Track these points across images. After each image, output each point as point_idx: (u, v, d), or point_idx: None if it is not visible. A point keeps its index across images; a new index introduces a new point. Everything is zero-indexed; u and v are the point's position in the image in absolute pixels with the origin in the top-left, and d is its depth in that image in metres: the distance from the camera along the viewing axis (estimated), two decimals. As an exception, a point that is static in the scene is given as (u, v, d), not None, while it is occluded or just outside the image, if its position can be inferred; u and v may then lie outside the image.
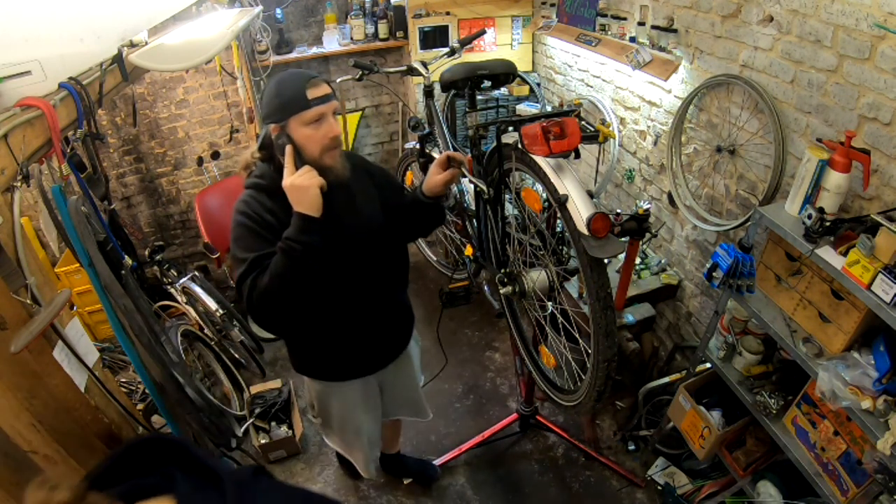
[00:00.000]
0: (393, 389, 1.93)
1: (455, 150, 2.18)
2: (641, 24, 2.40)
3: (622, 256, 1.43)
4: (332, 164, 1.36)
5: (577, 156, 1.36)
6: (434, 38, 3.33)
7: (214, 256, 3.12)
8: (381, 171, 1.70)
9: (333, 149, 1.36)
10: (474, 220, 2.11)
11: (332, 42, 3.63)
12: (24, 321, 1.05)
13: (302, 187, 1.27)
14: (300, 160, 1.32)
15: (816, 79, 1.67)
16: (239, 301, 1.50)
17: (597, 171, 2.92)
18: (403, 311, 1.80)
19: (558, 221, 1.70)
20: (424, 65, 2.18)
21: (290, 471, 2.65)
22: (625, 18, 2.53)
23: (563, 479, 2.53)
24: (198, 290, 2.90)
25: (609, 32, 2.62)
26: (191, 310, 2.91)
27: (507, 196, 1.80)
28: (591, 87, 2.98)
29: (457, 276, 2.65)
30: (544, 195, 1.57)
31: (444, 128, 2.22)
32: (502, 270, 1.84)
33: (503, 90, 3.38)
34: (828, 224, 1.45)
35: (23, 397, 1.08)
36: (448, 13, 3.31)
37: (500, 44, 3.44)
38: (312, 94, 1.30)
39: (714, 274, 1.74)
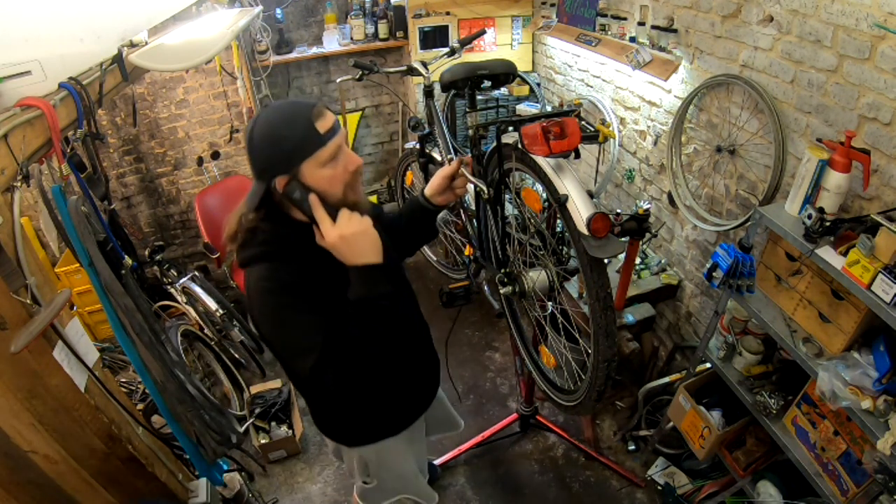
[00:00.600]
0: (433, 415, 1.78)
1: (455, 150, 2.18)
2: (641, 24, 2.40)
3: (622, 256, 1.43)
4: (358, 199, 1.16)
5: (577, 156, 1.36)
6: (434, 38, 3.33)
7: (214, 256, 3.12)
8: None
9: (356, 181, 1.16)
10: (474, 220, 2.11)
11: (332, 42, 3.63)
12: (24, 321, 1.05)
13: (357, 235, 1.07)
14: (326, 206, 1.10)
15: (816, 79, 1.67)
16: (314, 394, 1.33)
17: (597, 171, 2.92)
18: (430, 337, 1.64)
19: (558, 221, 1.70)
20: (424, 65, 2.18)
21: (290, 471, 2.65)
22: (625, 18, 2.53)
23: (563, 479, 2.53)
24: (198, 290, 2.91)
25: (609, 32, 2.62)
26: (191, 310, 2.91)
27: (507, 196, 1.79)
28: (591, 87, 2.98)
29: (457, 276, 2.65)
30: (544, 195, 1.57)
31: (444, 128, 2.22)
32: (502, 270, 1.84)
33: (503, 90, 3.38)
34: (828, 224, 1.45)
35: (23, 397, 1.08)
36: (448, 13, 3.31)
37: (500, 44, 3.44)
38: (323, 125, 1.07)
39: (714, 274, 1.74)
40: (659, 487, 2.39)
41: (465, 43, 2.30)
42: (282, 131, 1.07)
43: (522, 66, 3.50)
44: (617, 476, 2.50)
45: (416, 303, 1.54)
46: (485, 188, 1.80)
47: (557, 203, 1.37)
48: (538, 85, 3.51)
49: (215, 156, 3.61)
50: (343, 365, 1.07)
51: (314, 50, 3.62)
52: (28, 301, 1.07)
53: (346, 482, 2.58)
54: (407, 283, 1.45)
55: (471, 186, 2.04)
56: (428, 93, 2.24)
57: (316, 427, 1.58)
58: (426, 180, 2.54)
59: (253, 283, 1.13)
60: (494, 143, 1.58)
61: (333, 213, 1.09)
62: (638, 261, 2.59)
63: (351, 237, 1.08)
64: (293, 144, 1.07)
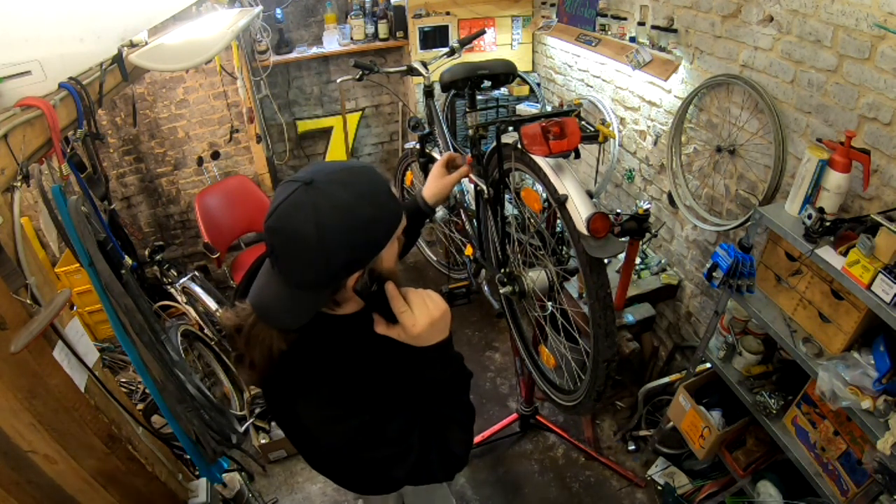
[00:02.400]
0: None
1: (455, 150, 2.18)
2: (641, 24, 2.40)
3: (622, 256, 1.43)
4: (397, 267, 0.98)
5: (577, 156, 1.36)
6: (434, 38, 3.33)
7: (214, 256, 3.12)
8: None
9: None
10: (474, 220, 2.11)
11: (332, 42, 3.63)
12: (24, 321, 1.05)
13: (441, 317, 0.93)
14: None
15: (816, 79, 1.67)
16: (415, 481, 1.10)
17: (597, 171, 2.92)
18: None
19: (558, 221, 1.70)
20: (424, 65, 2.18)
21: (289, 470, 2.65)
22: (625, 18, 2.53)
23: (563, 479, 2.53)
24: (198, 290, 2.91)
25: (609, 32, 2.62)
26: (191, 310, 2.91)
27: (507, 196, 1.80)
28: (591, 87, 2.98)
29: (457, 276, 2.65)
30: (544, 195, 1.57)
31: (444, 128, 2.22)
32: (502, 270, 1.84)
33: (503, 90, 3.38)
34: (828, 224, 1.45)
35: (23, 397, 1.08)
36: (448, 13, 3.30)
37: (500, 44, 3.44)
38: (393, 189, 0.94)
39: (714, 274, 1.74)
40: (659, 487, 2.39)
41: (465, 43, 2.30)
42: (367, 210, 0.83)
43: (522, 66, 3.50)
44: (617, 476, 2.50)
45: None
46: (485, 188, 1.80)
47: (557, 203, 1.37)
48: (538, 85, 3.51)
49: (215, 156, 3.61)
50: (459, 444, 1.00)
51: (314, 50, 3.62)
52: (28, 301, 1.07)
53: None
54: None
55: (471, 186, 2.04)
56: (428, 93, 2.24)
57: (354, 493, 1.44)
58: (426, 180, 2.54)
59: (316, 418, 0.95)
60: (494, 143, 1.58)
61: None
62: (638, 261, 2.59)
63: (439, 320, 0.92)
64: (386, 226, 0.86)
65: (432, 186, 1.44)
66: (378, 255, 0.87)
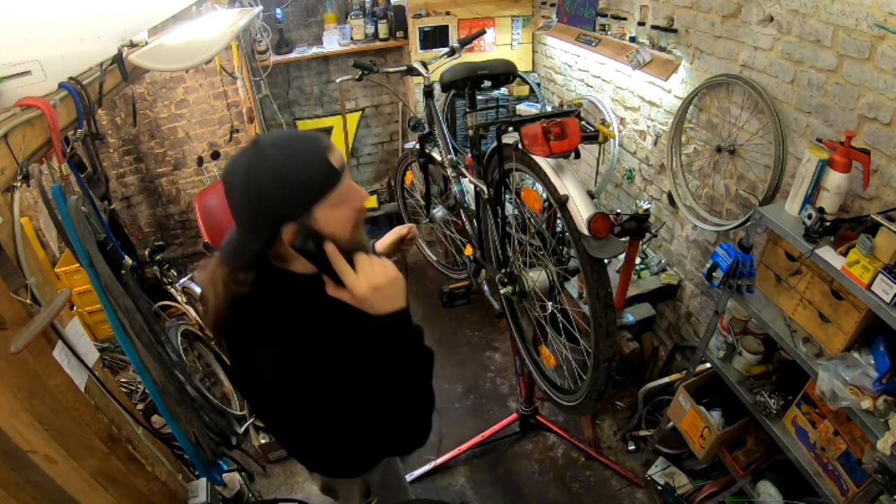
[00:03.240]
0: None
1: (455, 151, 2.18)
2: (641, 24, 2.40)
3: (622, 256, 1.43)
4: (363, 238, 1.03)
5: (577, 156, 1.37)
6: (434, 38, 3.33)
7: (214, 256, 3.12)
8: None
9: (362, 219, 1.02)
10: (474, 220, 2.11)
11: (332, 42, 3.63)
12: (24, 321, 1.05)
13: (390, 282, 0.95)
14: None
15: (816, 79, 1.67)
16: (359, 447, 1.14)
17: (597, 171, 2.92)
18: None
19: (558, 221, 1.70)
20: (424, 65, 2.18)
21: (289, 471, 2.65)
22: (625, 18, 2.53)
23: (563, 479, 2.53)
24: (198, 290, 2.90)
25: (609, 32, 2.62)
26: (191, 310, 2.91)
27: (507, 196, 1.80)
28: (591, 87, 2.98)
29: (457, 276, 2.65)
30: (544, 195, 1.57)
31: (444, 128, 2.22)
32: (502, 270, 1.84)
33: (503, 90, 3.38)
34: (828, 224, 1.45)
35: (23, 397, 1.08)
36: (448, 13, 3.30)
37: (500, 44, 3.44)
38: (336, 159, 0.94)
39: (714, 274, 1.74)
40: (659, 487, 2.39)
41: (465, 43, 2.31)
42: (295, 169, 0.91)
43: (522, 66, 3.49)
44: (617, 476, 2.50)
45: None
46: (485, 188, 1.80)
47: (558, 203, 1.37)
48: (538, 85, 3.51)
49: (215, 156, 3.61)
50: (388, 414, 1.01)
51: (314, 50, 3.62)
52: (28, 301, 1.07)
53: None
54: None
55: (471, 186, 2.04)
56: (428, 93, 2.24)
57: (316, 474, 1.49)
58: (426, 180, 2.55)
59: (272, 365, 0.97)
60: (494, 144, 1.58)
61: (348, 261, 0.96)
62: (638, 261, 2.59)
63: (387, 284, 0.95)
64: (310, 184, 0.92)
65: (381, 246, 1.53)
66: (310, 214, 0.92)
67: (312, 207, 0.92)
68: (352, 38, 3.63)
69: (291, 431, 1.20)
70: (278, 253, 0.99)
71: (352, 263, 0.95)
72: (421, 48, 3.34)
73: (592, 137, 1.36)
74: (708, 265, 1.75)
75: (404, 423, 1.03)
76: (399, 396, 1.00)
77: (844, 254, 1.39)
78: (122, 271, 1.44)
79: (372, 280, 0.94)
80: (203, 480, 1.71)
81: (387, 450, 1.08)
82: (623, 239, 1.35)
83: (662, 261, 2.61)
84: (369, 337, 0.98)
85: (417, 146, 2.40)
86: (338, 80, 3.11)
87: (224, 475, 1.91)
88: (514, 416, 2.69)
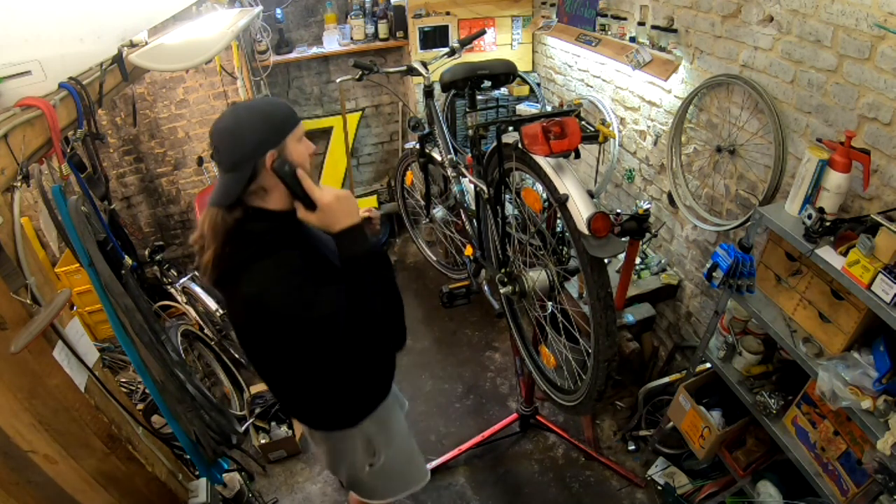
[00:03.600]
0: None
1: (455, 151, 2.18)
2: (641, 24, 2.40)
3: (622, 256, 1.43)
4: (309, 168, 1.25)
5: (577, 156, 1.36)
6: (434, 38, 3.33)
7: (214, 256, 3.12)
8: None
9: (314, 162, 1.26)
10: (474, 220, 2.11)
11: (332, 42, 3.63)
12: (24, 321, 1.05)
13: (344, 197, 1.16)
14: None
15: (816, 79, 1.67)
16: (331, 379, 1.36)
17: (597, 171, 2.92)
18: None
19: (558, 221, 1.70)
20: (424, 65, 2.18)
21: (289, 470, 2.65)
22: (625, 18, 2.53)
23: (563, 479, 2.53)
24: (198, 290, 2.91)
25: (609, 32, 2.62)
26: (191, 310, 2.91)
27: (507, 196, 1.79)
28: (591, 87, 2.98)
29: (457, 276, 2.65)
30: (544, 195, 1.57)
31: (444, 128, 2.22)
32: (502, 270, 1.84)
33: (503, 90, 3.38)
34: (828, 224, 1.45)
35: (23, 397, 1.08)
36: (448, 13, 3.30)
37: (500, 44, 3.44)
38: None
39: (714, 274, 1.74)
40: (659, 487, 2.39)
41: (465, 43, 2.30)
42: (269, 108, 1.18)
43: (522, 66, 3.49)
44: (617, 476, 2.50)
45: None
46: (485, 188, 1.80)
47: (558, 203, 1.37)
48: (538, 85, 3.51)
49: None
50: (365, 321, 1.17)
51: (314, 50, 3.62)
52: (28, 301, 1.07)
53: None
54: None
55: (471, 186, 2.04)
56: (428, 93, 2.24)
57: (314, 432, 1.58)
58: (426, 180, 2.54)
59: (263, 278, 1.13)
60: (494, 143, 1.58)
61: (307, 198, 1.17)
62: (638, 261, 2.59)
63: (343, 198, 1.16)
64: (281, 118, 1.17)
65: None
66: (284, 144, 1.15)
67: (285, 137, 1.15)
68: (352, 38, 3.63)
69: (283, 372, 1.37)
70: (260, 187, 1.17)
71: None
72: (421, 48, 3.34)
73: (592, 137, 1.36)
74: (708, 265, 1.75)
75: (380, 324, 1.21)
76: (369, 299, 1.18)
77: (844, 254, 1.39)
78: (122, 271, 1.44)
79: (333, 192, 1.16)
80: (203, 480, 1.71)
81: (370, 354, 1.32)
82: (623, 239, 1.35)
83: (662, 261, 2.61)
84: (335, 255, 1.20)
85: (417, 146, 2.40)
86: (338, 80, 3.11)
87: (224, 475, 1.91)
88: (514, 416, 2.69)
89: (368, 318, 1.18)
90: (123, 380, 2.69)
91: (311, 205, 1.16)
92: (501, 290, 1.84)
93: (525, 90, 3.44)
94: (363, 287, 1.18)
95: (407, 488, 1.74)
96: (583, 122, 1.34)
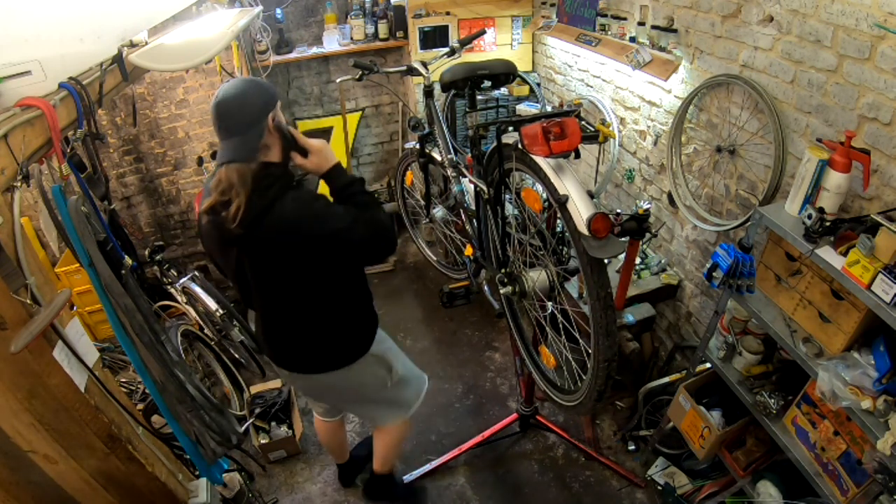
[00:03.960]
0: None
1: (455, 151, 2.18)
2: (641, 24, 2.40)
3: (622, 256, 1.43)
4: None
5: (577, 156, 1.36)
6: (434, 38, 3.33)
7: (214, 256, 3.12)
8: None
9: None
10: (474, 220, 2.11)
11: (332, 42, 3.63)
12: (24, 321, 1.05)
13: (326, 146, 1.53)
14: None
15: (816, 79, 1.67)
16: (349, 309, 1.73)
17: (597, 171, 2.92)
18: None
19: (558, 221, 1.70)
20: (424, 65, 2.18)
21: (290, 471, 2.65)
22: (625, 18, 2.53)
23: (563, 479, 2.53)
24: (198, 290, 2.90)
25: (609, 32, 2.62)
26: (191, 310, 2.91)
27: (507, 196, 1.80)
28: (591, 87, 2.98)
29: (457, 276, 2.65)
30: (544, 195, 1.57)
31: (444, 128, 2.22)
32: (502, 270, 1.84)
33: (503, 90, 3.38)
34: (828, 224, 1.45)
35: (23, 397, 1.08)
36: (448, 13, 3.31)
37: (500, 44, 3.44)
38: None
39: (714, 274, 1.74)
40: (659, 487, 2.39)
41: (465, 43, 2.30)
42: (260, 81, 1.50)
43: (522, 66, 3.49)
44: (617, 476, 2.50)
45: None
46: (485, 188, 1.80)
47: (558, 203, 1.37)
48: (538, 85, 3.51)
49: (215, 156, 3.60)
50: (371, 227, 1.50)
51: (314, 50, 3.62)
52: (28, 301, 1.07)
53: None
54: None
55: (471, 186, 2.04)
56: (428, 93, 2.24)
57: (338, 380, 1.82)
58: (426, 180, 2.55)
59: (296, 205, 1.43)
60: (494, 143, 1.58)
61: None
62: (638, 261, 2.59)
63: (325, 146, 1.53)
64: (270, 89, 1.49)
65: None
66: (276, 107, 1.45)
67: (277, 103, 1.45)
68: (352, 38, 3.63)
69: (314, 302, 1.64)
70: (264, 144, 1.43)
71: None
72: (421, 48, 3.34)
73: (592, 137, 1.36)
74: (708, 265, 1.75)
75: (381, 229, 1.53)
76: (369, 208, 1.52)
77: (844, 254, 1.39)
78: (122, 271, 1.44)
79: (318, 141, 1.53)
80: (203, 480, 1.70)
81: (376, 260, 1.68)
82: (623, 239, 1.35)
83: (662, 261, 2.61)
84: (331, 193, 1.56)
85: (417, 146, 2.40)
86: (338, 80, 3.11)
87: (224, 475, 1.90)
88: (514, 416, 2.69)
89: (373, 224, 1.49)
90: (123, 380, 2.69)
91: (304, 153, 1.50)
92: (501, 291, 1.85)
93: (525, 90, 3.44)
94: (361, 203, 1.52)
95: (421, 390, 2.09)
96: (583, 123, 1.34)
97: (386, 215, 1.56)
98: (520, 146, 1.40)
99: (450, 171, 2.14)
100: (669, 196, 2.45)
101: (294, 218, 1.42)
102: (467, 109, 1.94)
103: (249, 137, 1.39)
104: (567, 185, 1.36)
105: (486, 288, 2.32)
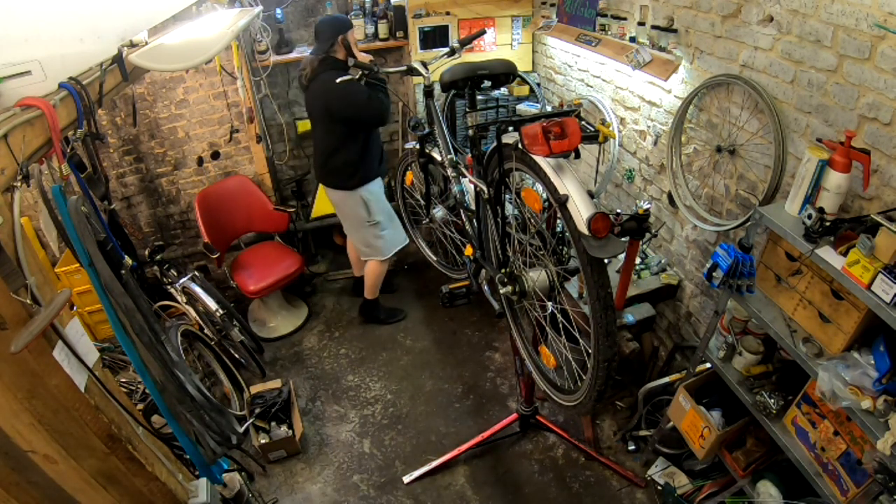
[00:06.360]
0: None
1: (456, 151, 2.18)
2: (641, 24, 2.40)
3: (622, 256, 1.43)
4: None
5: (577, 156, 1.36)
6: (434, 38, 3.33)
7: (214, 256, 3.12)
8: None
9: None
10: (474, 220, 2.11)
11: (333, 42, 3.62)
12: (24, 321, 1.05)
13: (366, 56, 2.81)
14: None
15: (816, 79, 1.67)
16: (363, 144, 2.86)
17: (597, 171, 2.92)
18: None
19: (558, 221, 1.70)
20: (424, 65, 2.18)
21: (290, 470, 2.65)
22: (625, 18, 2.53)
23: (563, 479, 2.53)
24: (198, 290, 2.90)
25: (609, 32, 2.62)
26: (191, 310, 2.91)
27: (507, 196, 1.79)
28: (591, 87, 2.98)
29: (457, 276, 2.65)
30: (544, 195, 1.57)
31: (444, 128, 2.22)
32: (502, 270, 1.84)
33: (503, 90, 3.38)
34: (828, 224, 1.45)
35: (23, 397, 1.08)
36: (448, 13, 3.31)
37: (500, 44, 3.44)
38: None
39: (714, 274, 1.74)
40: (659, 487, 2.39)
41: (465, 43, 2.30)
42: (337, 17, 2.94)
43: (522, 66, 3.50)
44: (617, 476, 2.50)
45: None
46: (485, 188, 1.80)
47: (558, 203, 1.37)
48: (538, 85, 3.51)
49: (215, 156, 3.60)
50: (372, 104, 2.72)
51: (314, 50, 3.61)
52: (28, 301, 1.07)
53: (346, 482, 2.58)
54: None
55: (471, 186, 2.04)
56: (428, 93, 2.24)
57: (341, 191, 3.00)
58: (426, 180, 2.55)
59: (328, 77, 2.59)
60: (494, 143, 1.58)
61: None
62: (638, 261, 2.59)
63: (366, 57, 2.80)
64: (348, 22, 2.80)
65: None
66: (347, 33, 2.74)
67: (348, 29, 2.75)
68: (352, 38, 3.62)
69: (334, 142, 2.88)
70: (339, 47, 2.72)
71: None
72: (421, 48, 3.34)
73: (592, 137, 1.36)
74: (708, 265, 1.76)
75: (370, 106, 2.74)
76: (384, 88, 2.77)
77: (844, 254, 1.39)
78: (122, 271, 1.44)
79: (363, 55, 2.82)
80: (203, 480, 1.70)
81: (379, 124, 2.91)
82: (623, 239, 1.34)
83: (662, 261, 2.61)
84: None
85: (417, 146, 2.40)
86: (338, 80, 3.10)
87: (224, 475, 1.91)
88: (514, 416, 2.69)
89: (374, 102, 2.70)
90: (123, 380, 2.69)
91: (355, 57, 2.71)
92: (501, 291, 1.84)
93: (525, 90, 3.44)
94: (381, 87, 2.69)
95: (396, 245, 3.22)
96: (583, 122, 1.34)
97: (385, 97, 2.75)
98: (520, 146, 1.40)
99: (450, 171, 2.14)
100: (669, 196, 2.45)
101: (322, 85, 2.67)
102: (467, 109, 1.94)
103: (322, 45, 2.71)
104: (567, 185, 1.35)
105: (486, 288, 2.32)
